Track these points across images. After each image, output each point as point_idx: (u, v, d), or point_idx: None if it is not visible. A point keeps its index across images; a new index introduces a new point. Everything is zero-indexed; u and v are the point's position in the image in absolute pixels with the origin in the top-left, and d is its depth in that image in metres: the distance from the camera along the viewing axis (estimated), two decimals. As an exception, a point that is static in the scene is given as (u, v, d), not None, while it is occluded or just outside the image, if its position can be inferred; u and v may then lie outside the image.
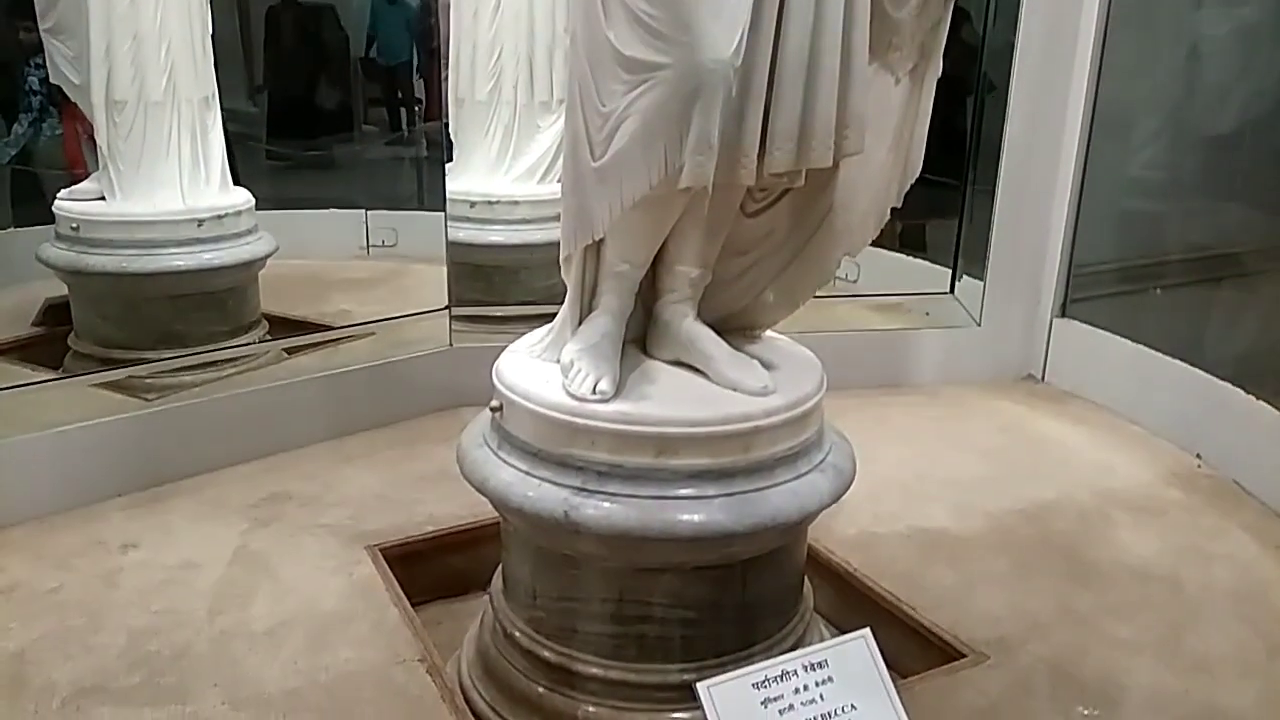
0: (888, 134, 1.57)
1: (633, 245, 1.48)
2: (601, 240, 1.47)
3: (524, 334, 1.64)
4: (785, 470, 1.45)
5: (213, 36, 2.79)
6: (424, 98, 4.86)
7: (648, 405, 1.41)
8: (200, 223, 2.68)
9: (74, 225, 2.62)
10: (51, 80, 2.71)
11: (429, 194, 4.07)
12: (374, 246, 4.02)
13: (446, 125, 3.27)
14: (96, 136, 2.62)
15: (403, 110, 5.25)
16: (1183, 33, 3.22)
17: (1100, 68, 2.78)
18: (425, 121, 4.73)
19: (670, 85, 1.27)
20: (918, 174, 1.60)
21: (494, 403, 1.52)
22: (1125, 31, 2.81)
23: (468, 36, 3.17)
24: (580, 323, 1.54)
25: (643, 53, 1.28)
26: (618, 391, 1.43)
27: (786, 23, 1.35)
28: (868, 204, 1.61)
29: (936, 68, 1.55)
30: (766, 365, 1.54)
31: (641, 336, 1.61)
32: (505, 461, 1.46)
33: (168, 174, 2.67)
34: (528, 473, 1.43)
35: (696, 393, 1.46)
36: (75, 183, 2.77)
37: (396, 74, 5.17)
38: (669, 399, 1.43)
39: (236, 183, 2.88)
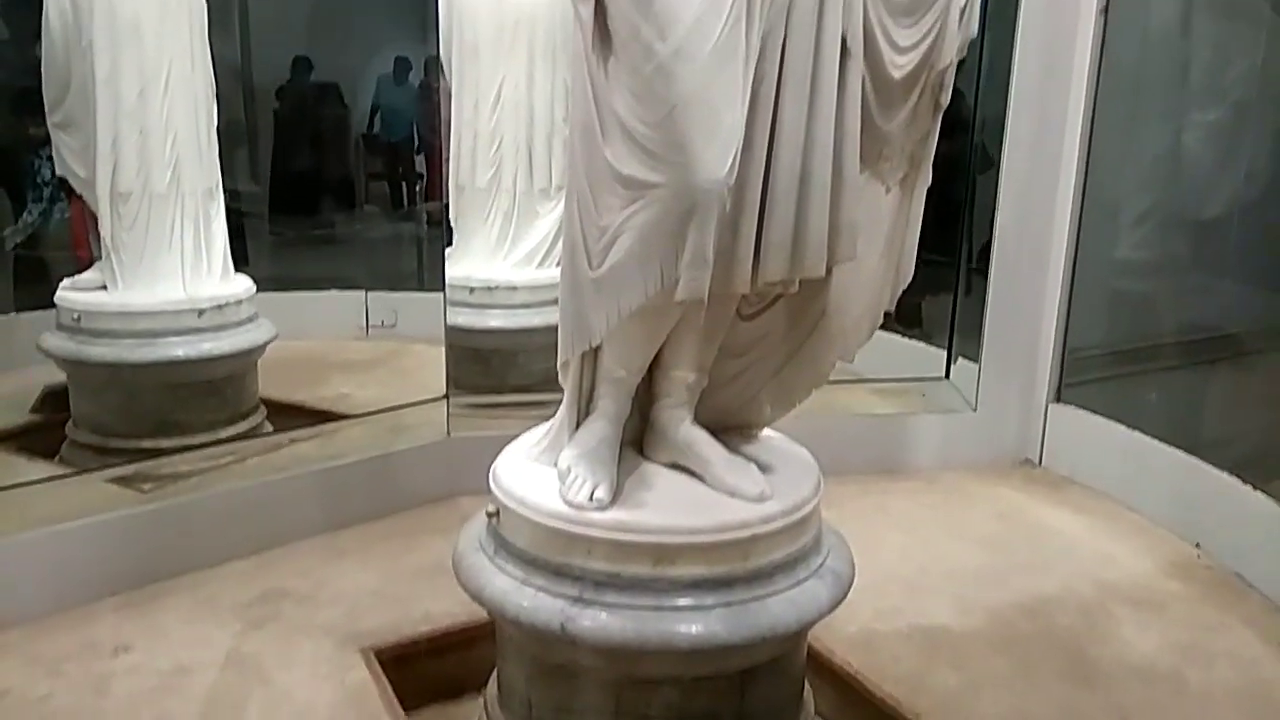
0: (879, 240, 1.60)
1: (629, 352, 1.49)
2: (599, 346, 1.49)
3: (522, 431, 1.64)
4: (784, 577, 1.45)
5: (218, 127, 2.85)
6: (425, 174, 4.95)
7: (645, 513, 1.41)
8: (201, 312, 2.70)
9: (75, 316, 2.64)
10: (58, 172, 2.75)
11: (429, 274, 4.13)
12: (374, 327, 4.04)
13: (447, 211, 3.32)
14: (100, 228, 2.65)
15: (404, 188, 5.35)
16: (1170, 116, 3.30)
17: (1089, 149, 2.83)
18: (426, 201, 4.81)
19: (666, 204, 1.30)
20: (909, 279, 1.63)
21: (490, 507, 1.52)
22: (1113, 114, 2.87)
23: (468, 126, 3.23)
24: (577, 426, 1.54)
25: (639, 172, 1.31)
26: (615, 498, 1.43)
27: (779, 139, 1.39)
28: (861, 308, 1.63)
29: (926, 177, 1.58)
30: (763, 468, 1.55)
31: (639, 438, 1.61)
32: (501, 568, 1.46)
33: (170, 264, 2.70)
34: (524, 581, 1.42)
35: (694, 499, 1.46)
36: (80, 265, 2.80)
37: (399, 152, 5.27)
38: (666, 506, 1.43)
39: (238, 263, 2.90)
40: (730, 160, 1.29)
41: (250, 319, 2.85)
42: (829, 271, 1.51)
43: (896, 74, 1.49)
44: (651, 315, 1.41)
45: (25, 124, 3.38)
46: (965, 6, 1.47)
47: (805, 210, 1.42)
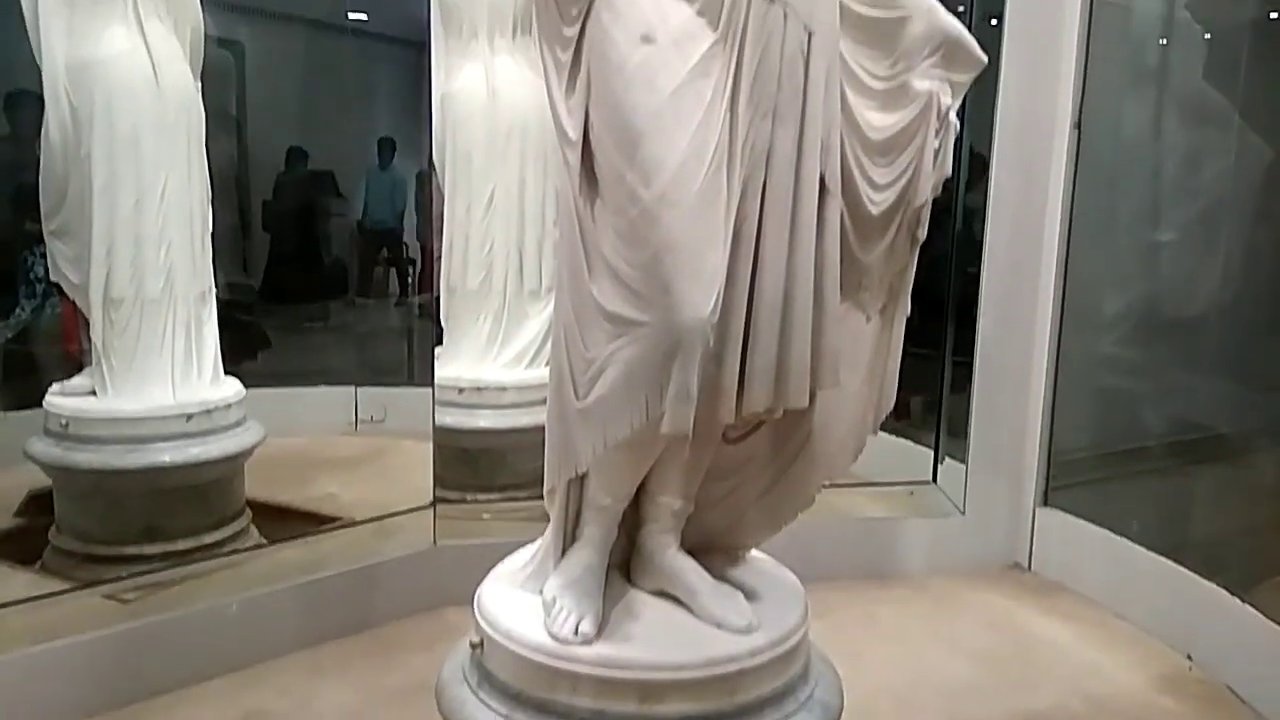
0: (862, 366, 1.63)
1: (615, 481, 1.50)
2: (585, 474, 1.50)
3: (510, 539, 1.64)
4: (772, 711, 1.43)
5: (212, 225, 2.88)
6: (417, 261, 4.98)
7: (631, 647, 1.40)
8: (189, 417, 2.70)
9: (64, 422, 2.63)
10: (52, 278, 2.77)
11: (419, 368, 4.15)
12: (363, 422, 4.04)
13: (438, 312, 3.35)
14: (92, 333, 2.67)
15: (396, 275, 5.37)
16: (1145, 218, 3.38)
17: (1068, 253, 2.89)
18: (419, 293, 4.85)
19: (651, 341, 1.32)
20: (892, 405, 1.65)
21: (474, 637, 1.50)
22: (1090, 217, 2.94)
23: (460, 229, 3.29)
24: (563, 553, 1.54)
25: (625, 310, 1.34)
26: (600, 629, 1.43)
27: (761, 273, 1.42)
28: (846, 431, 1.65)
29: (905, 307, 1.62)
30: (750, 594, 1.54)
31: (625, 560, 1.61)
32: (484, 703, 1.44)
33: (160, 369, 2.71)
34: (507, 717, 1.40)
35: (680, 631, 1.45)
36: (71, 361, 2.80)
37: (390, 239, 5.30)
38: (652, 639, 1.42)
39: (227, 356, 2.90)
40: (714, 300, 1.32)
41: (239, 422, 2.84)
42: (812, 397, 1.53)
43: (874, 210, 1.54)
44: (637, 445, 1.42)
45: (21, 220, 3.42)
46: (939, 148, 1.53)
47: (788, 341, 1.44)
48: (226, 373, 2.89)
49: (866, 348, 1.62)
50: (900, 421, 3.42)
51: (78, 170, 2.62)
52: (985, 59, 1.55)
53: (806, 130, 1.42)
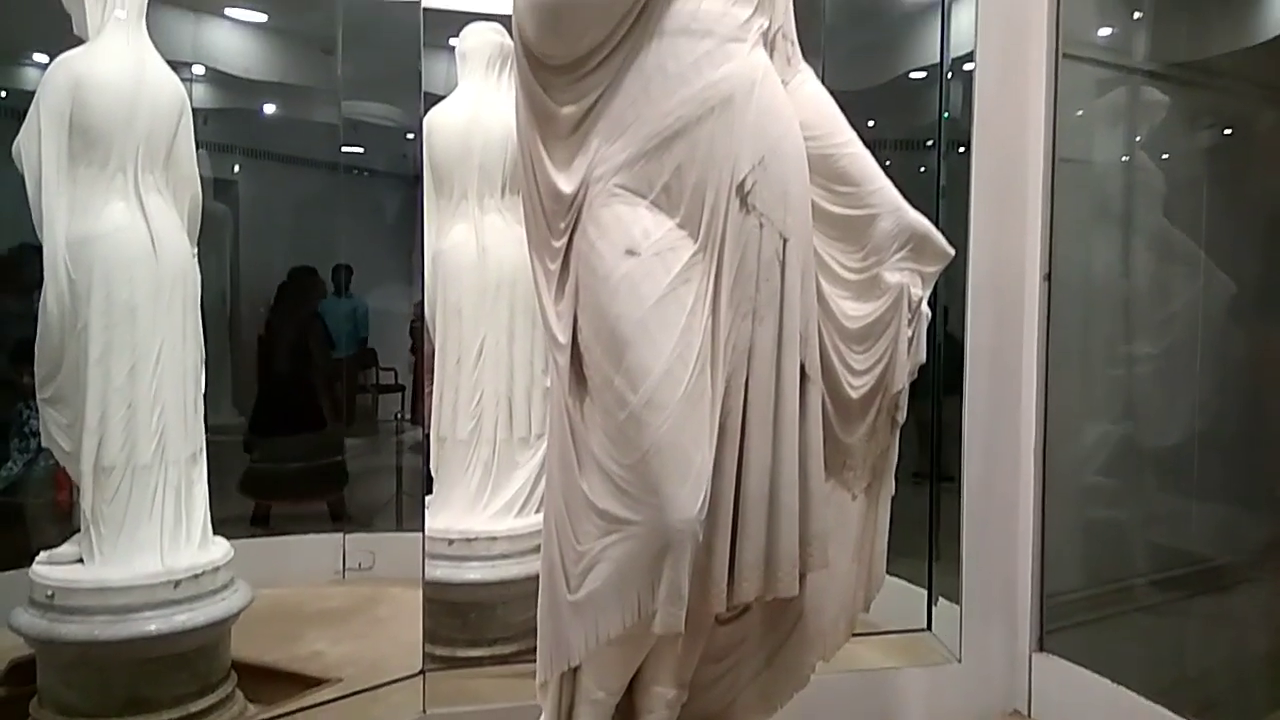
0: (849, 544, 1.66)
1: (608, 673, 1.51)
2: (577, 666, 1.50)
3: (500, 699, 1.62)
4: None
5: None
6: (406, 390, 4.99)
7: None
8: (177, 584, 2.67)
9: (49, 593, 2.61)
10: (43, 444, 2.79)
11: (408, 515, 4.13)
12: (350, 570, 4.00)
13: (427, 462, 3.37)
14: (81, 501, 2.67)
15: (380, 404, 5.34)
16: (1120, 349, 3.47)
17: (1046, 389, 2.94)
18: (405, 426, 4.85)
19: (641, 540, 1.35)
20: (882, 584, 1.67)
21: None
22: (1066, 351, 3.00)
23: (450, 381, 3.34)
24: (558, 748, 1.53)
25: (614, 507, 1.37)
26: (598, 828, 1.41)
27: (747, 464, 1.47)
28: (836, 609, 1.67)
29: (889, 487, 1.66)
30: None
31: (620, 750, 1.60)
32: None
33: (149, 536, 2.69)
34: None
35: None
36: (61, 513, 2.78)
37: (355, 372, 5.26)
38: (648, 842, 1.40)
39: (216, 517, 2.89)
40: (701, 499, 1.36)
41: (227, 585, 2.82)
42: (802, 579, 1.55)
43: (854, 394, 1.60)
44: (629, 639, 1.44)
45: (18, 372, 3.45)
46: (913, 336, 1.59)
47: (776, 531, 1.48)
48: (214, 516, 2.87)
49: (854, 527, 1.65)
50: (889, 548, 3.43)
51: (74, 341, 2.66)
52: (952, 252, 1.63)
53: (785, 326, 1.48)
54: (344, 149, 4.57)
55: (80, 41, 2.73)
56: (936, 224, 3.02)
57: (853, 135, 1.62)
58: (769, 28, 1.52)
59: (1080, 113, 3.17)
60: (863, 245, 1.60)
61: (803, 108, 1.58)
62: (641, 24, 1.40)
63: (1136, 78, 3.41)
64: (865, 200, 1.59)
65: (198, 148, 2.93)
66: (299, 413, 4.96)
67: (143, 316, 2.69)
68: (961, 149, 2.95)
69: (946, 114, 3.21)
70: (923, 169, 3.41)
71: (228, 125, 4.59)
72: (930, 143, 3.32)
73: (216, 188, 3.85)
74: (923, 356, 1.61)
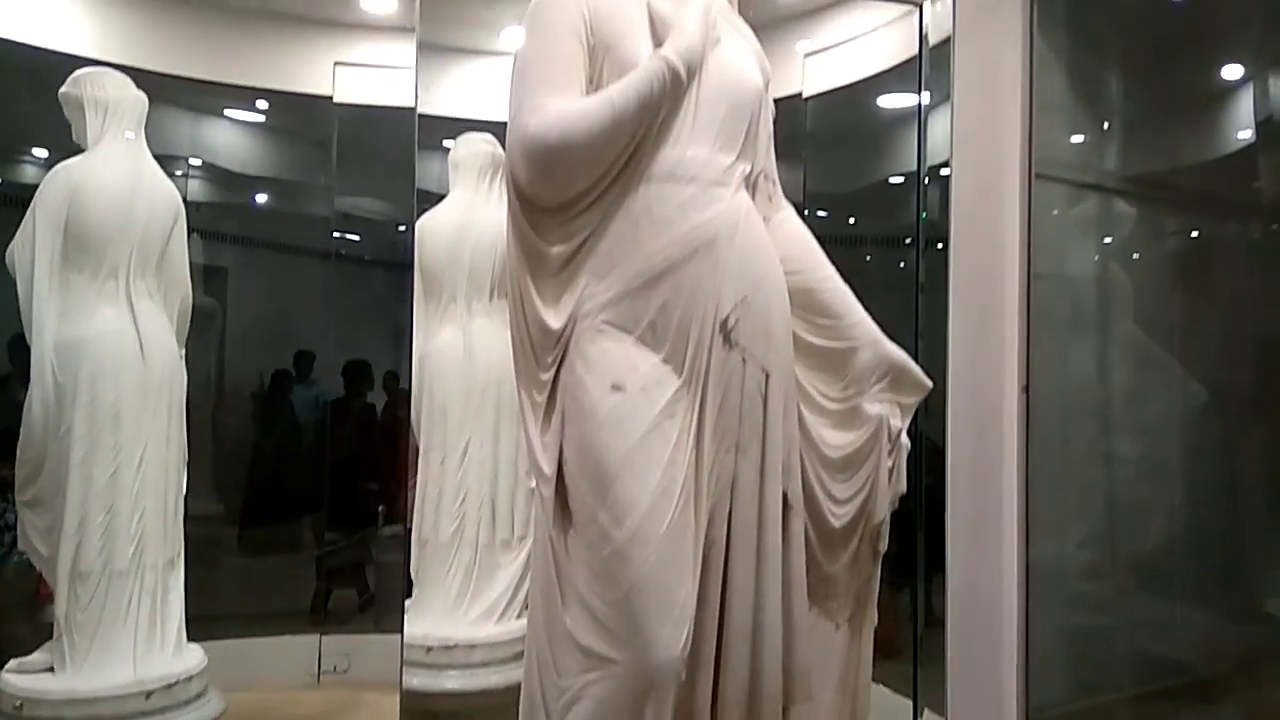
0: (833, 676, 1.65)
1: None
2: (559, 801, 1.47)
3: None
4: None
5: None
6: (384, 487, 4.93)
7: None
8: (149, 694, 2.62)
9: (18, 703, 2.55)
10: (20, 548, 2.76)
11: (386, 617, 4.06)
12: (326, 673, 3.92)
13: (408, 566, 3.34)
14: (55, 608, 2.63)
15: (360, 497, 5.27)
16: (1098, 453, 3.50)
17: (1028, 499, 2.95)
18: (387, 524, 4.80)
19: (623, 681, 1.35)
20: (867, 718, 1.66)
21: None
22: (1046, 457, 3.02)
23: (434, 481, 3.33)
24: None
25: (597, 644, 1.37)
26: None
27: (730, 597, 1.47)
28: (821, 742, 1.65)
29: (872, 618, 1.66)
30: None
31: None
32: None
33: (123, 643, 2.65)
34: None
35: None
36: (42, 604, 2.72)
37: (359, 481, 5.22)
38: None
39: (189, 623, 2.84)
40: (684, 638, 1.36)
41: (199, 695, 2.77)
42: (786, 712, 1.54)
43: (836, 523, 1.61)
44: (612, 776, 1.41)
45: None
46: (893, 466, 1.62)
47: (759, 664, 1.47)
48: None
49: (837, 658, 1.65)
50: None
51: (56, 444, 2.65)
52: (930, 384, 1.67)
53: (768, 458, 1.51)
54: (335, 235, 4.65)
55: (79, 149, 2.79)
56: (916, 321, 3.13)
57: (832, 271, 1.67)
58: (751, 171, 1.58)
59: (1053, 223, 3.27)
60: (843, 376, 1.63)
61: (784, 243, 1.64)
62: (629, 170, 1.45)
63: (1108, 194, 3.53)
64: (845, 333, 1.63)
65: (190, 234, 2.98)
66: (279, 505, 4.92)
67: (128, 420, 2.69)
68: (940, 245, 3.03)
69: (925, 214, 3.30)
70: (902, 264, 3.49)
71: (221, 215, 4.66)
72: (910, 240, 3.41)
73: (207, 274, 3.88)
74: (903, 487, 1.64)
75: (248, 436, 4.85)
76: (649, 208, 1.45)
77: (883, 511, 1.61)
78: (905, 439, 1.64)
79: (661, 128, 1.46)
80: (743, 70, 1.55)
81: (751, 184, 1.60)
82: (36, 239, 2.63)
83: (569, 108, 1.42)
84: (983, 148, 3.02)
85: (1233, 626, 3.17)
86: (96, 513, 2.65)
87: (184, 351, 2.96)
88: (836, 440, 1.62)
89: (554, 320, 1.46)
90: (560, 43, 1.46)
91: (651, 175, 1.46)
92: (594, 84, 1.48)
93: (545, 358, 1.47)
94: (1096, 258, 3.63)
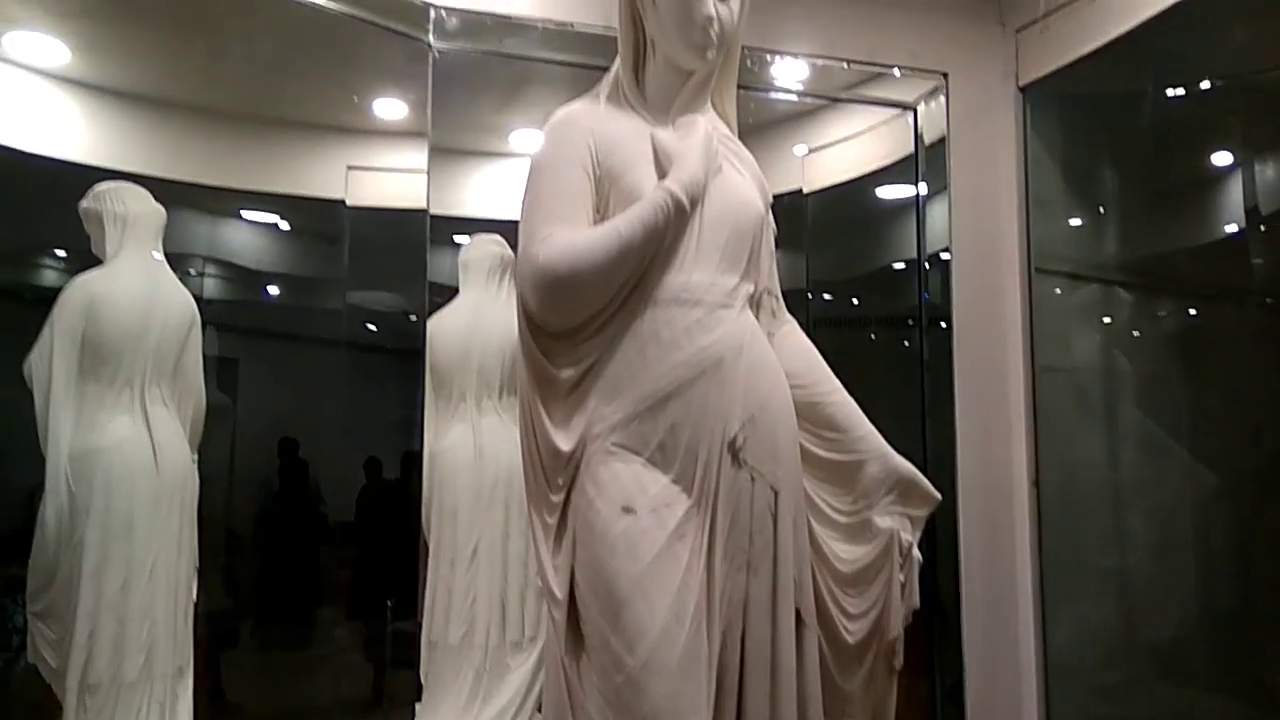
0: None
1: None
2: None
3: None
4: None
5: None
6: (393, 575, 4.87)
7: None
8: (151, 816, 2.57)
9: (22, 822, 2.51)
10: (30, 660, 2.74)
11: (394, 718, 3.99)
12: (335, 776, 3.84)
13: (418, 669, 3.30)
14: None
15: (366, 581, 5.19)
16: (1111, 541, 3.47)
17: (1043, 590, 2.93)
18: (397, 621, 4.74)
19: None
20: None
21: None
22: (1058, 548, 3.00)
23: (444, 583, 3.31)
24: None
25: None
26: None
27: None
28: None
29: (891, 735, 1.64)
30: None
31: None
32: None
33: (131, 756, 2.62)
34: None
35: None
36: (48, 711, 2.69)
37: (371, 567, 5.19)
38: None
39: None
40: None
41: (205, 811, 2.71)
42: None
43: (850, 639, 1.61)
44: None
45: (8, 565, 3.40)
46: (905, 581, 1.62)
47: (777, 788, 1.45)
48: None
49: (858, 774, 1.63)
50: None
51: (69, 555, 2.65)
52: (939, 497, 1.68)
53: (779, 577, 1.51)
54: (346, 326, 4.69)
55: (98, 260, 2.85)
56: (922, 400, 3.14)
57: (837, 384, 1.70)
58: (754, 290, 1.62)
59: (1053, 312, 3.31)
60: (852, 489, 1.65)
61: (789, 357, 1.67)
62: (636, 294, 1.49)
63: (1108, 285, 3.57)
64: (852, 446, 1.65)
65: (205, 328, 3.02)
66: (285, 597, 4.86)
67: (139, 529, 2.70)
68: (943, 324, 3.06)
69: (927, 294, 3.34)
70: (906, 342, 3.52)
71: (235, 310, 4.72)
72: (911, 322, 3.45)
73: (220, 366, 3.93)
74: (916, 601, 1.63)
75: (258, 527, 4.84)
76: (656, 331, 1.49)
77: (897, 628, 1.60)
78: (917, 553, 1.64)
79: (667, 254, 1.50)
80: (744, 196, 1.60)
81: (756, 302, 1.64)
82: (54, 352, 2.67)
83: (577, 239, 1.47)
84: (981, 239, 3.08)
85: (1255, 714, 3.11)
86: (107, 623, 2.64)
87: (196, 457, 2.98)
88: (848, 554, 1.63)
89: (564, 443, 1.48)
90: (568, 175, 1.51)
91: (658, 299, 1.50)
92: (601, 212, 1.53)
93: (556, 479, 1.48)
94: (1097, 343, 3.66)
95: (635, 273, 1.48)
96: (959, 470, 2.82)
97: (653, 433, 1.47)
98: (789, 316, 1.76)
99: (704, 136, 1.55)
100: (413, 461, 3.55)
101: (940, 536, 2.97)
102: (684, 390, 1.47)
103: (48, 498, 2.68)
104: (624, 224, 1.46)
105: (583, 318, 1.48)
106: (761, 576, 1.48)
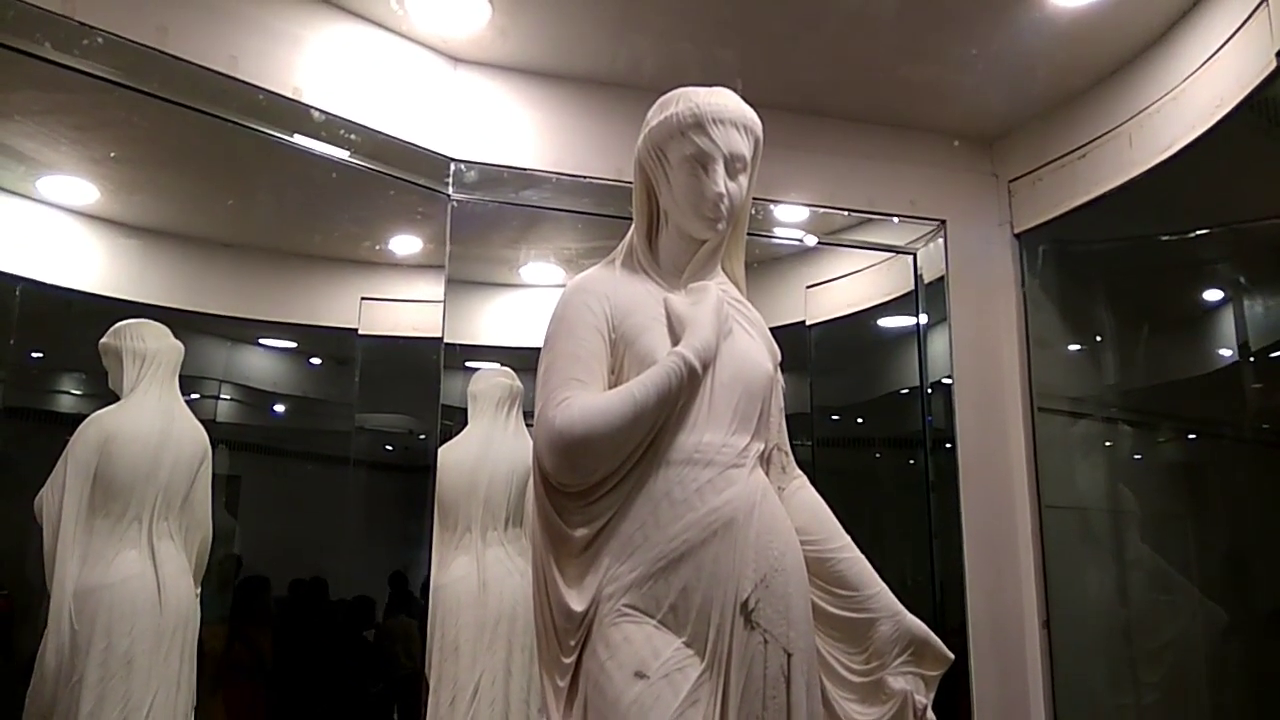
0: None
1: None
2: None
3: None
4: None
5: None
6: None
7: None
8: None
9: None
10: (19, 803, 2.66)
11: None
12: None
13: (417, 814, 3.20)
14: None
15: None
16: (1124, 677, 3.40)
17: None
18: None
19: None
20: None
21: None
22: (1072, 686, 2.94)
23: (448, 674, 3.24)
24: None
25: None
26: None
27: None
28: None
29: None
30: None
31: None
32: None
33: None
34: None
35: None
36: None
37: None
38: None
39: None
40: None
41: None
42: None
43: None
44: None
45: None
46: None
47: None
48: None
49: None
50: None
51: (67, 694, 2.61)
52: (952, 657, 1.67)
53: (793, 741, 1.49)
54: (354, 445, 4.70)
55: (115, 396, 2.89)
56: (930, 521, 3.12)
57: (848, 540, 1.71)
58: (765, 448, 1.65)
59: (1055, 449, 3.33)
60: (864, 648, 1.64)
61: (798, 513, 1.68)
62: (649, 455, 1.52)
63: (1113, 421, 3.61)
64: (864, 604, 1.65)
65: (216, 447, 3.03)
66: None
67: (139, 667, 2.66)
68: (948, 445, 3.07)
69: (931, 418, 3.37)
70: (911, 461, 3.52)
71: (245, 431, 4.76)
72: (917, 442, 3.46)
73: (228, 484, 3.94)
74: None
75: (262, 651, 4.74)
76: (669, 491, 1.51)
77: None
78: (932, 715, 1.62)
79: (679, 415, 1.54)
80: (754, 358, 1.65)
81: (765, 458, 1.67)
82: (66, 489, 2.68)
83: (593, 402, 1.51)
84: (982, 375, 3.14)
85: None
86: (107, 731, 2.58)
87: (199, 590, 2.96)
88: (861, 716, 1.61)
89: (577, 603, 1.48)
90: (584, 339, 1.56)
91: (670, 460, 1.52)
92: (616, 374, 1.58)
93: (568, 641, 1.48)
94: (1101, 478, 3.67)
95: (649, 435, 1.51)
96: (969, 612, 2.80)
97: (665, 594, 1.47)
98: (799, 471, 1.78)
99: (715, 302, 1.61)
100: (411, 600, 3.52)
101: (954, 679, 2.93)
102: (696, 551, 1.49)
103: (49, 635, 2.65)
104: (639, 388, 1.51)
105: (597, 478, 1.50)
106: (775, 742, 1.46)
